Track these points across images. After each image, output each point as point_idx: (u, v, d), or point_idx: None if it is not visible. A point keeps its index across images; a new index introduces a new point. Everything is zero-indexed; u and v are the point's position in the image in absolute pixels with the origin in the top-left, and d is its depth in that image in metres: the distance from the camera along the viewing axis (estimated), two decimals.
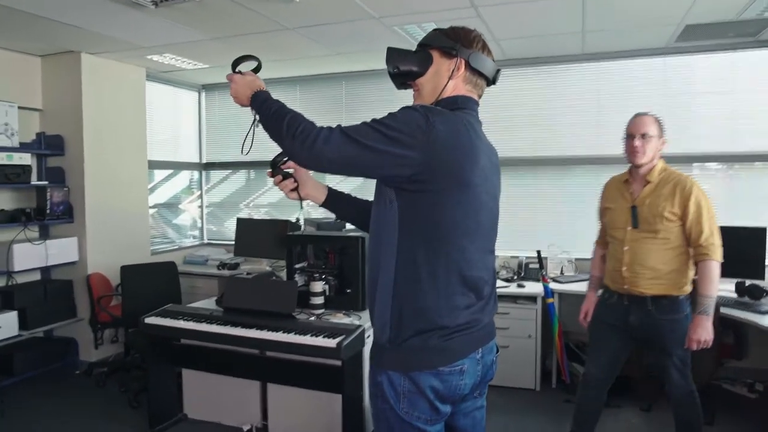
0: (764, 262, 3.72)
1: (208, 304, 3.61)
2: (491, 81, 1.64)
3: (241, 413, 3.51)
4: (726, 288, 3.72)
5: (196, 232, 6.06)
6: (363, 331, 2.94)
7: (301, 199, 1.81)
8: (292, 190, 1.77)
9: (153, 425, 3.44)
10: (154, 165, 5.28)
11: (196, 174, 6.02)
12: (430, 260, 1.47)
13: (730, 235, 3.84)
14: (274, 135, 1.49)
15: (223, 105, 5.87)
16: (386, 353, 1.52)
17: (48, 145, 4.42)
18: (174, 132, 5.75)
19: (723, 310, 3.39)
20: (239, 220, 5.14)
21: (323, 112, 5.33)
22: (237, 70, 1.67)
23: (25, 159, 4.13)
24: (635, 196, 2.71)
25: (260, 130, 1.58)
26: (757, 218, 4.11)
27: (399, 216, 1.48)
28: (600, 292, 2.92)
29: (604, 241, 2.95)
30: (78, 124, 4.41)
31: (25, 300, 4.10)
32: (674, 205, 2.59)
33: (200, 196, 6.04)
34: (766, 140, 4.18)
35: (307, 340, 2.86)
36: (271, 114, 1.50)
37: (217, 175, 6.04)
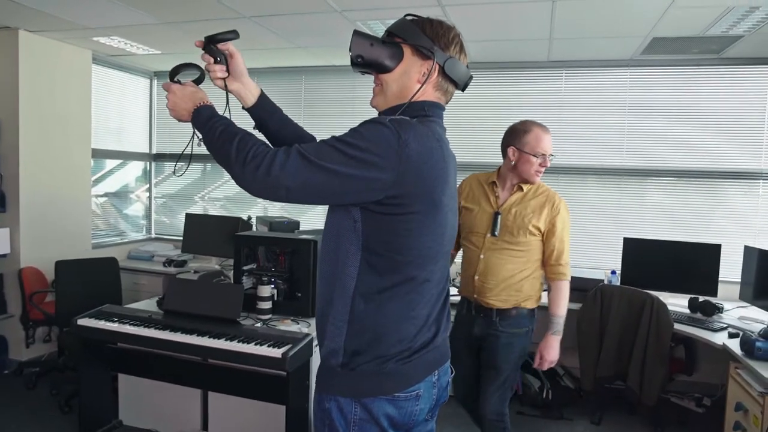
0: (717, 278, 3.75)
1: (149, 305, 3.40)
2: (462, 88, 1.50)
3: (181, 421, 3.32)
4: (679, 303, 3.75)
5: (144, 226, 5.77)
6: (311, 341, 2.80)
7: (226, 91, 1.56)
8: (221, 78, 1.53)
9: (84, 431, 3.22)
10: (99, 154, 4.99)
11: (147, 164, 5.73)
12: (394, 285, 1.36)
13: (684, 251, 3.90)
14: (222, 159, 1.30)
15: None
16: (336, 377, 1.39)
17: None
18: (122, 120, 5.44)
19: (676, 326, 3.38)
20: (188, 216, 4.91)
21: (281, 107, 5.11)
22: (176, 79, 1.48)
23: None
24: (501, 202, 2.57)
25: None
26: (711, 235, 4.16)
27: (363, 237, 1.34)
28: None
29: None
30: (13, 106, 4.09)
31: None
32: (540, 219, 2.52)
33: (149, 188, 5.76)
34: (721, 157, 4.22)
35: (251, 348, 2.70)
36: (217, 135, 1.32)
37: (170, 166, 5.76)
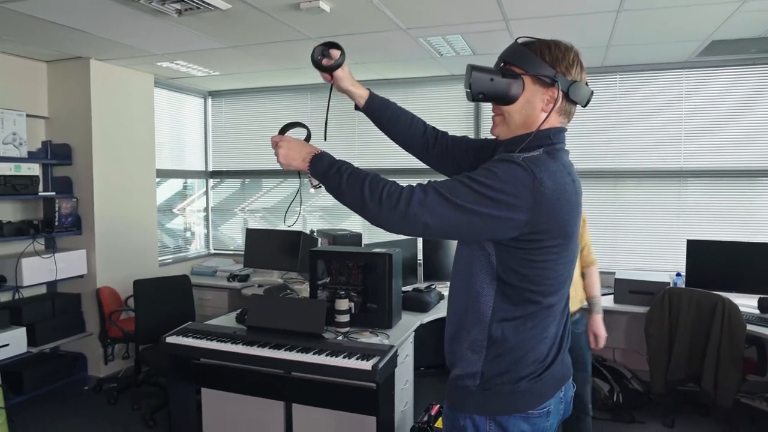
0: None
1: (227, 320, 3.51)
2: (584, 105, 1.47)
3: None
4: (748, 304, 3.73)
5: (202, 242, 5.93)
6: (396, 352, 2.88)
7: (330, 92, 1.75)
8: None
9: None
10: (160, 174, 5.14)
11: (202, 181, 5.90)
12: (529, 314, 1.41)
13: (750, 251, 3.89)
14: (353, 201, 1.35)
15: (229, 112, 5.75)
16: (472, 396, 1.45)
17: (55, 155, 4.27)
18: (179, 139, 5.61)
19: (748, 327, 3.39)
20: (249, 231, 5.03)
21: (334, 120, 5.21)
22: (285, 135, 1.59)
23: (33, 169, 3.99)
24: None
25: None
26: None
27: (498, 270, 1.38)
28: None
29: None
30: (86, 132, 4.27)
31: (33, 315, 3.97)
32: None
33: (206, 205, 5.92)
34: None
35: (340, 362, 2.78)
36: (345, 178, 1.36)
37: (215, 180, 5.95)
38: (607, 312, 4.04)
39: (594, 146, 4.59)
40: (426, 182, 1.32)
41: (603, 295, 4.09)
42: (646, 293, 3.89)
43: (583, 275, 2.78)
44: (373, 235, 4.87)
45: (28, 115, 4.06)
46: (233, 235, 5.88)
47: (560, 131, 1.46)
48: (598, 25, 3.42)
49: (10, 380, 3.85)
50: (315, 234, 4.64)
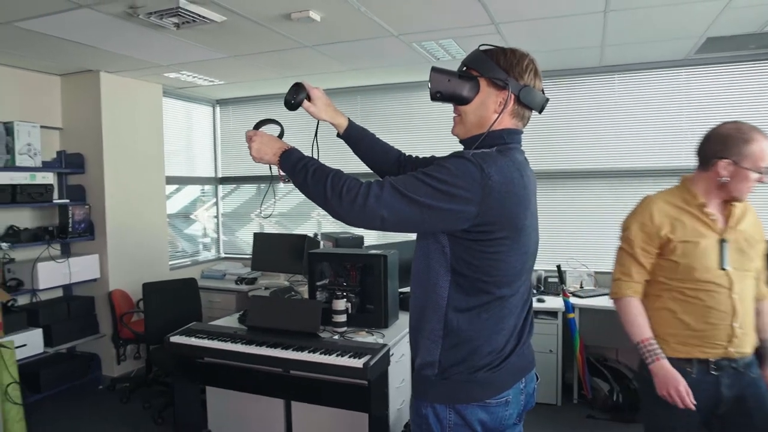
0: None
1: (231, 321, 3.62)
2: (539, 111, 1.55)
3: (266, 429, 3.51)
4: None
5: (213, 247, 6.09)
6: (388, 351, 2.94)
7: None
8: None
9: None
10: (170, 180, 5.31)
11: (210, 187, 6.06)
12: (483, 303, 1.47)
13: None
14: (316, 196, 1.43)
15: (237, 119, 5.90)
16: (432, 385, 1.52)
17: (68, 164, 4.47)
18: (188, 147, 5.78)
19: None
20: (256, 235, 5.15)
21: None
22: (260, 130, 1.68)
23: (48, 178, 4.18)
24: (722, 224, 2.02)
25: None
26: None
27: (452, 261, 1.46)
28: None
29: (644, 288, 2.09)
30: (98, 142, 4.46)
31: (49, 317, 4.15)
32: (758, 229, 2.09)
33: (216, 211, 6.07)
34: None
35: (333, 360, 2.86)
36: (311, 173, 1.44)
37: (228, 186, 6.10)
38: (608, 311, 4.06)
39: (594, 146, 4.61)
40: (384, 179, 1.41)
41: (602, 295, 4.15)
42: None
43: (757, 312, 2.03)
44: (380, 237, 4.96)
45: (42, 127, 4.25)
46: (249, 240, 5.98)
47: (514, 132, 1.53)
48: (587, 26, 3.45)
49: (28, 379, 4.01)
50: (318, 237, 4.73)
